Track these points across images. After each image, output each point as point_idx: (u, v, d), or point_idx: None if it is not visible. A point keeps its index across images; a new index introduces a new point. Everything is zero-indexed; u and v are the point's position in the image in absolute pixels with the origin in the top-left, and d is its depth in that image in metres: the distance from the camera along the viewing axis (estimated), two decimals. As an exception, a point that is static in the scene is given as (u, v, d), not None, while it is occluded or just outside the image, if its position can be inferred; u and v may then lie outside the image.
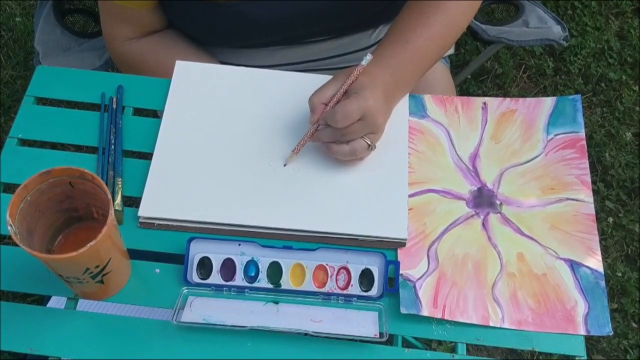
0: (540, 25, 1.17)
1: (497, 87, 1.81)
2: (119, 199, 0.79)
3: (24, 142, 0.86)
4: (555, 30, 1.14)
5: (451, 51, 1.16)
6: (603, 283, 0.78)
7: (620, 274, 1.56)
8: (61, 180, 0.67)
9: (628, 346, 1.49)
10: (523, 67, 1.84)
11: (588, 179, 0.84)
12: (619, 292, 1.54)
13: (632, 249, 1.60)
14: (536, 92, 1.81)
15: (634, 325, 1.51)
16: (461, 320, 0.74)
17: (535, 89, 1.82)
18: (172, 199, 0.79)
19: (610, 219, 1.62)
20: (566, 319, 0.75)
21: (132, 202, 0.81)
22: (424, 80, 1.11)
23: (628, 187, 1.67)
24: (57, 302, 0.89)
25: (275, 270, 0.76)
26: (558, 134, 0.88)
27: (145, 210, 0.78)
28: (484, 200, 0.83)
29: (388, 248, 0.78)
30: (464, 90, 1.78)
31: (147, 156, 0.84)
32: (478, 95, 1.79)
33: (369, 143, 0.78)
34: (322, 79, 0.90)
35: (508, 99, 0.90)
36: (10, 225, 0.63)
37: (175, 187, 0.80)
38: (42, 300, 1.06)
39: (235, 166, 0.82)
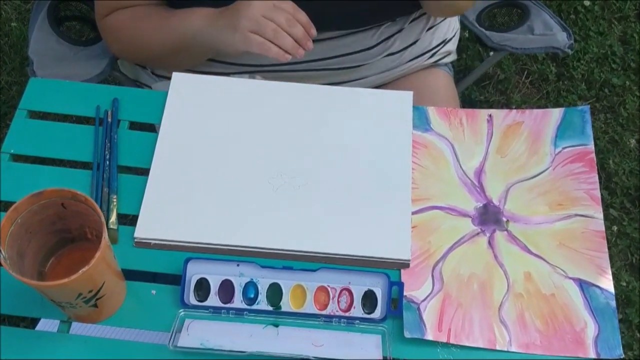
0: (545, 32, 1.15)
1: (499, 92, 1.79)
2: (113, 217, 0.77)
3: (17, 158, 0.83)
4: (560, 38, 1.12)
5: (453, 57, 1.14)
6: (614, 303, 0.75)
7: (624, 284, 1.54)
8: (53, 202, 0.65)
9: (633, 357, 1.46)
10: (525, 72, 1.82)
11: (597, 193, 0.82)
12: (623, 302, 1.52)
13: (636, 257, 1.57)
14: (539, 98, 1.78)
15: (639, 335, 1.49)
16: (467, 344, 0.72)
17: (537, 95, 1.79)
18: (169, 219, 0.76)
19: (615, 227, 1.59)
20: (575, 341, 0.73)
21: (128, 219, 0.79)
22: (426, 88, 1.10)
23: (632, 195, 1.65)
24: (46, 323, 0.87)
25: (275, 292, 0.73)
26: (566, 147, 0.85)
27: (142, 231, 0.76)
28: (489, 217, 0.80)
29: (391, 268, 0.75)
30: (465, 96, 1.75)
31: (144, 172, 0.81)
32: (480, 100, 1.76)
33: None
34: (323, 90, 0.88)
35: (514, 111, 0.88)
36: (0, 251, 0.61)
37: (172, 207, 0.77)
38: (33, 321, 1.04)
39: (234, 183, 0.79)
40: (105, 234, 0.61)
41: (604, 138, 1.71)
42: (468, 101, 1.76)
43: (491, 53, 1.18)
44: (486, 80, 1.79)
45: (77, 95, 0.88)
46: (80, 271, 0.59)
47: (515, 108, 1.73)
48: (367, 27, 0.97)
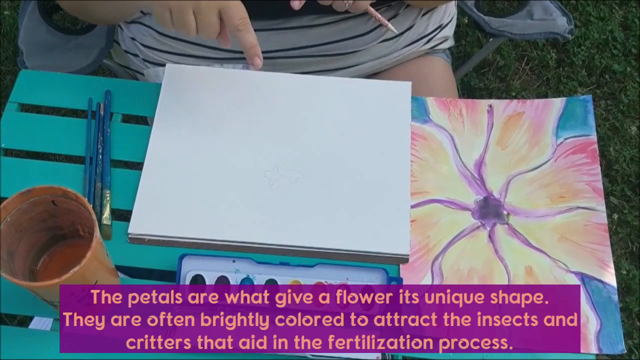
0: (545, 17, 1.13)
1: (499, 79, 1.77)
2: (107, 213, 0.75)
3: (7, 152, 0.82)
4: (560, 23, 1.10)
5: (451, 43, 1.12)
6: (616, 297, 0.74)
7: (624, 272, 1.53)
8: (43, 199, 0.63)
9: (633, 346, 1.46)
10: (525, 59, 1.79)
11: (600, 185, 0.81)
12: (623, 291, 1.51)
13: (636, 246, 1.56)
14: (539, 85, 1.76)
15: (639, 324, 1.48)
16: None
17: (538, 81, 1.77)
18: (164, 214, 0.75)
19: (615, 215, 1.58)
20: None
21: (122, 215, 0.77)
22: (423, 76, 1.08)
23: (633, 183, 1.63)
24: (39, 321, 0.86)
25: (271, 288, 0.72)
26: (568, 138, 0.84)
27: (136, 226, 0.74)
28: (490, 210, 0.79)
29: (390, 264, 0.74)
30: (465, 83, 1.73)
31: (138, 166, 0.80)
32: (480, 88, 1.74)
33: None
34: (320, 81, 0.86)
35: (515, 101, 0.86)
36: (-11, 251, 0.59)
37: (166, 201, 0.76)
38: (24, 320, 1.02)
39: (229, 177, 0.78)
40: (96, 232, 0.60)
41: (604, 125, 1.70)
42: (467, 88, 1.74)
43: (490, 39, 1.16)
44: (486, 67, 1.77)
45: (68, 87, 0.86)
46: (71, 271, 0.58)
47: (515, 95, 1.72)
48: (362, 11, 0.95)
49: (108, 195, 0.77)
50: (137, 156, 0.80)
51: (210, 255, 0.73)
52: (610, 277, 0.75)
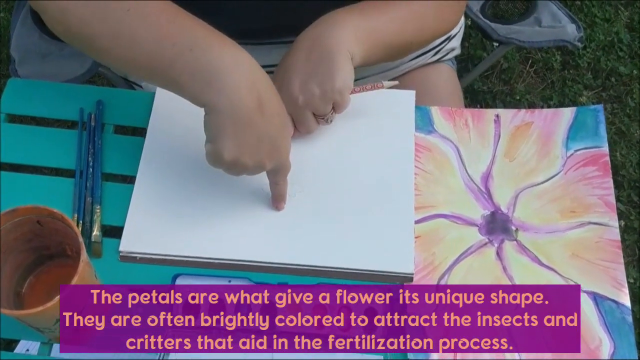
0: (553, 24, 1.10)
1: (503, 82, 1.73)
2: (96, 230, 0.72)
3: (-6, 165, 0.78)
4: (570, 30, 1.07)
5: (457, 52, 1.09)
6: (630, 319, 0.71)
7: (632, 280, 1.50)
8: (28, 219, 0.60)
9: (641, 356, 1.43)
10: (530, 61, 1.76)
11: (612, 199, 0.77)
12: (630, 299, 1.48)
13: (644, 253, 1.53)
14: (543, 88, 1.73)
15: (647, 333, 1.45)
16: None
17: (542, 84, 1.74)
18: (156, 231, 0.72)
19: (622, 222, 1.55)
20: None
21: (113, 231, 0.74)
22: (428, 84, 1.05)
23: (639, 188, 1.60)
24: (26, 344, 0.82)
25: (269, 310, 0.69)
26: (578, 150, 0.80)
27: (127, 244, 0.71)
28: (497, 225, 0.76)
29: (393, 282, 0.71)
30: (468, 86, 1.70)
31: (131, 179, 0.76)
32: (483, 91, 1.71)
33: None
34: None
35: (523, 111, 0.83)
36: (-29, 275, 0.56)
37: (159, 218, 0.73)
38: (9, 343, 0.98)
39: (225, 192, 0.74)
40: (83, 255, 0.57)
41: (610, 129, 1.66)
42: (471, 92, 1.71)
43: (496, 44, 1.13)
44: (489, 70, 1.74)
45: (59, 97, 0.82)
46: (55, 298, 0.54)
47: (519, 98, 1.68)
48: None
49: (98, 210, 0.73)
50: (129, 169, 0.77)
51: (205, 275, 0.70)
52: (624, 297, 0.72)
